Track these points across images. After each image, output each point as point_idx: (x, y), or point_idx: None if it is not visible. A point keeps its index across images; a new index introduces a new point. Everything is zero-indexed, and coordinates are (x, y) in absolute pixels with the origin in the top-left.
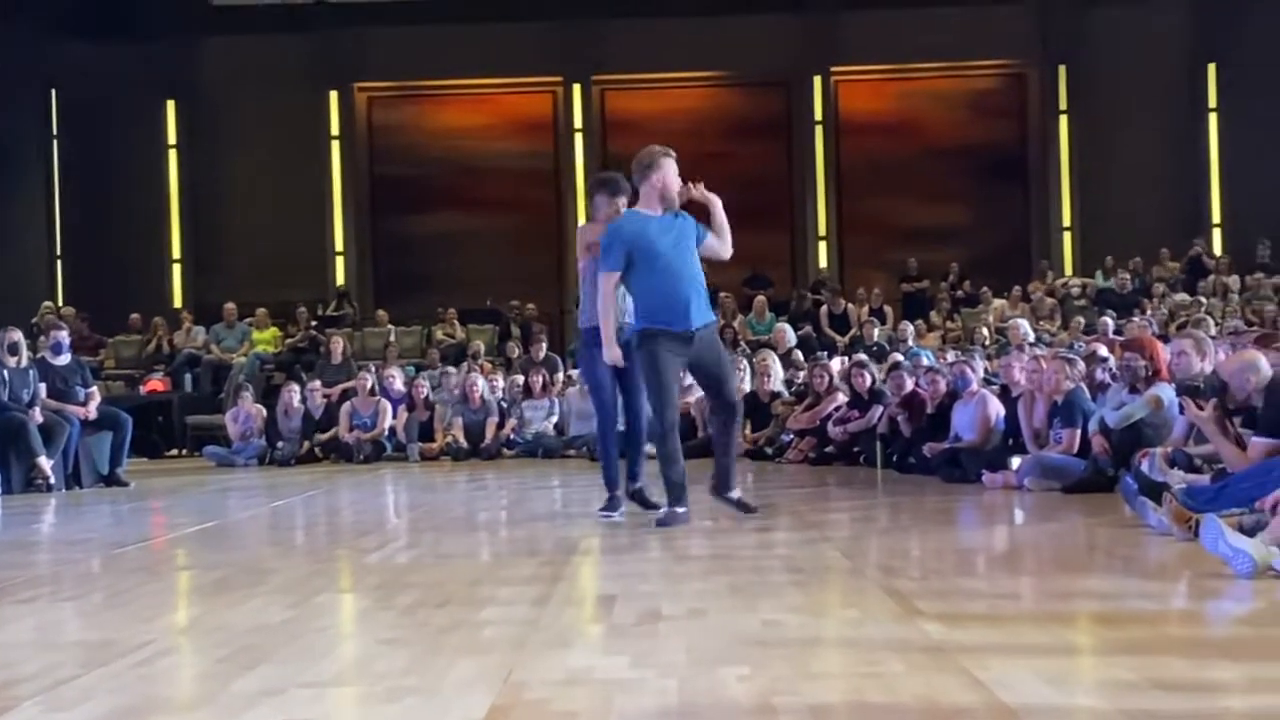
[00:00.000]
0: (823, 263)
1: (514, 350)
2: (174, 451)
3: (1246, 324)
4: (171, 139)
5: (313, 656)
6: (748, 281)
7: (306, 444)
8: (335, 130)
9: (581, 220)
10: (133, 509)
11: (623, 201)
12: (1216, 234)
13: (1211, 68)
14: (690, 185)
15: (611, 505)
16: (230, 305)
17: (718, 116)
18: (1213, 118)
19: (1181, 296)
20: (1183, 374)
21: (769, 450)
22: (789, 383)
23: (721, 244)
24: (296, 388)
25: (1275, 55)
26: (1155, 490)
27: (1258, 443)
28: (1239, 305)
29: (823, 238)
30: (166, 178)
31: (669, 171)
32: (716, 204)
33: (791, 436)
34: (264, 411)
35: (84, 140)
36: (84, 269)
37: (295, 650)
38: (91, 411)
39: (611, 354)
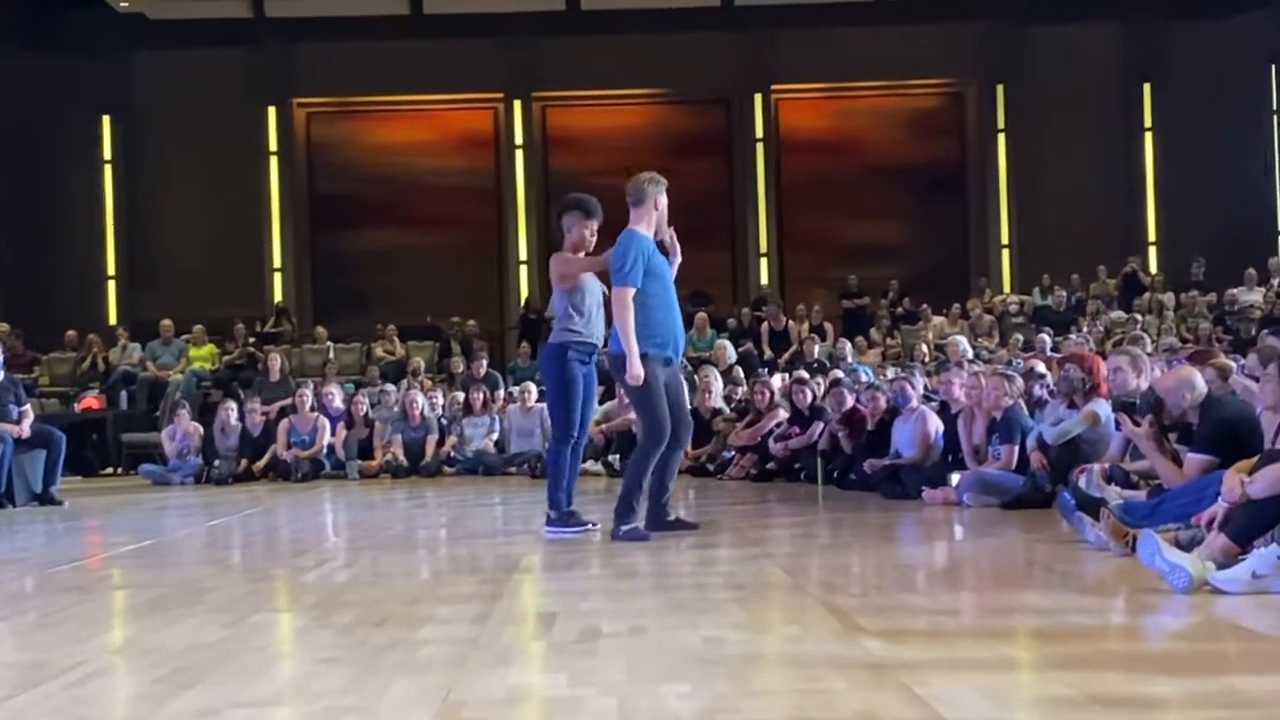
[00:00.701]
0: (764, 279)
1: (458, 365)
2: (109, 470)
3: (1181, 341)
4: (107, 154)
5: (249, 676)
6: (689, 298)
7: (244, 462)
8: (273, 146)
9: (522, 235)
10: (67, 528)
11: (595, 225)
12: (1152, 252)
13: (1146, 88)
14: (669, 229)
15: (564, 522)
16: (167, 322)
17: (659, 134)
18: (1148, 137)
19: (1118, 314)
20: (1119, 390)
21: (710, 467)
22: (728, 398)
23: None
24: (234, 405)
25: (1208, 76)
26: (1093, 506)
27: (1193, 459)
28: (1174, 323)
29: (764, 254)
30: (102, 193)
31: (665, 200)
32: (679, 255)
33: (733, 453)
34: (201, 429)
35: (18, 155)
36: (18, 285)
37: (231, 670)
38: (25, 429)
39: (634, 371)
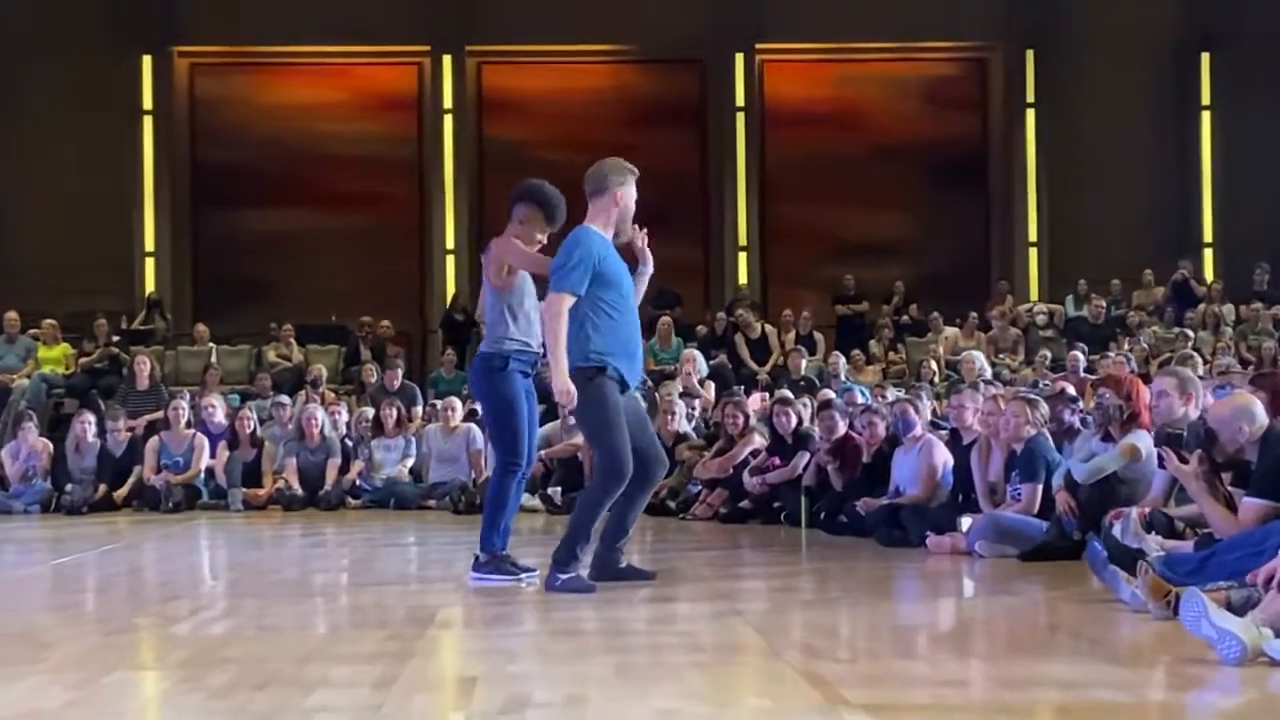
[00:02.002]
0: (742, 278)
1: (369, 375)
2: None
3: (1241, 362)
4: None
5: None
6: (653, 299)
7: (102, 488)
8: (148, 104)
9: (450, 218)
10: None
11: (550, 230)
12: (1208, 255)
13: (1206, 58)
14: (639, 230)
15: (495, 567)
16: (11, 315)
17: (619, 100)
18: (1206, 116)
19: (1166, 329)
20: (1164, 420)
21: (672, 504)
22: (690, 416)
23: None
24: (92, 418)
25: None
26: (1129, 558)
27: (1250, 504)
28: (1232, 340)
29: (743, 249)
30: None
31: (633, 193)
32: (650, 265)
33: (699, 488)
34: (50, 447)
35: None
36: None
37: None
38: None
39: (563, 388)
